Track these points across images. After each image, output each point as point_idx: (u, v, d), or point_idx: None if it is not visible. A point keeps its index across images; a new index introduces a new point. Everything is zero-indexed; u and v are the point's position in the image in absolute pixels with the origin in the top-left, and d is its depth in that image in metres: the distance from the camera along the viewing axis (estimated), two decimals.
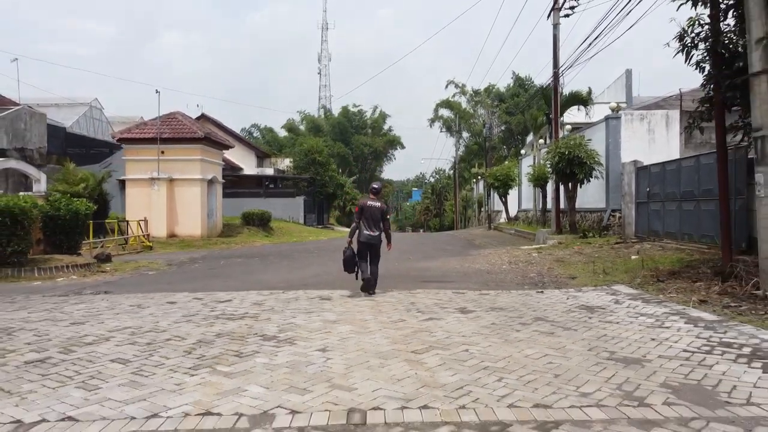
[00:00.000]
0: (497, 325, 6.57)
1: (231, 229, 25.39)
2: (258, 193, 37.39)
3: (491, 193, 36.85)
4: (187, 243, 21.47)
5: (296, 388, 4.28)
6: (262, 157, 44.39)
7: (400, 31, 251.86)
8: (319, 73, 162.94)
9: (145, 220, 21.05)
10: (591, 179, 18.90)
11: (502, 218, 37.44)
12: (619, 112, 19.60)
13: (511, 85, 73.04)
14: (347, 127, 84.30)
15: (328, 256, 16.60)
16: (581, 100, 22.80)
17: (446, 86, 76.29)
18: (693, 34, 9.02)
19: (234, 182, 36.95)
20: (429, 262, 15.01)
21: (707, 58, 9.15)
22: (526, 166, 29.52)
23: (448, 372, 4.65)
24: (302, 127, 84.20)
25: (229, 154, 38.65)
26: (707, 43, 8.91)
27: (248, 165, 41.81)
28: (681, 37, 9.13)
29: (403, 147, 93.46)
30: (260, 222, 26.98)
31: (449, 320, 6.87)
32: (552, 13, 20.39)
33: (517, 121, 58.31)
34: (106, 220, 19.89)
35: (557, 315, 7.16)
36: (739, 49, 8.49)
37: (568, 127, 24.04)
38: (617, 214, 19.09)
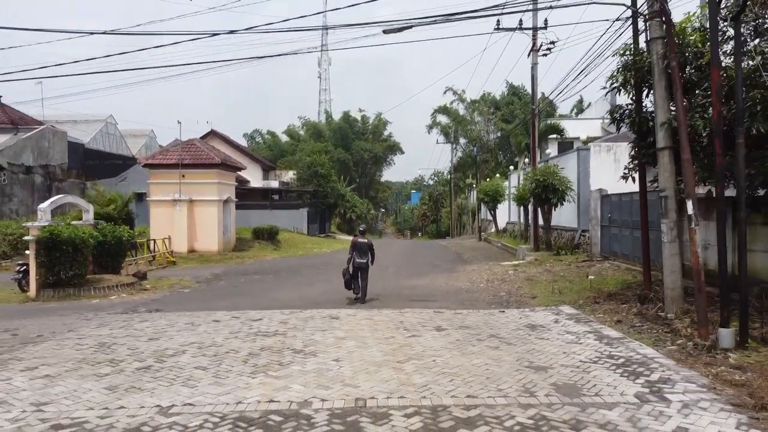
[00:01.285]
0: (460, 341, 9.11)
1: (243, 243, 27.94)
2: (265, 205, 39.91)
3: (482, 206, 39.46)
4: (205, 258, 24.02)
5: (322, 386, 6.82)
6: (267, 170, 46.95)
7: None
8: (319, 77, 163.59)
9: (169, 238, 23.61)
10: (564, 203, 21.47)
11: (493, 228, 40.02)
12: (589, 144, 22.17)
13: (506, 93, 75.89)
14: (348, 132, 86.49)
15: (332, 272, 19.05)
16: (557, 130, 25.45)
17: (444, 92, 78.97)
18: (620, 111, 11.58)
19: (242, 195, 39.48)
20: (419, 280, 17.55)
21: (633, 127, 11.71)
22: (512, 186, 32.03)
23: (419, 376, 7.19)
24: (302, 132, 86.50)
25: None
26: (630, 119, 11.47)
27: (255, 177, 44.37)
28: (611, 113, 11.69)
29: (402, 152, 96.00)
30: (269, 236, 29.56)
31: (427, 337, 9.41)
32: (531, 53, 22.95)
33: (511, 129, 61.24)
34: (138, 240, 22.40)
35: (507, 332, 9.71)
36: (650, 126, 11.03)
37: (549, 151, 26.61)
38: (587, 234, 21.65)
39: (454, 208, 60.56)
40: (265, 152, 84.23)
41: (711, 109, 9.86)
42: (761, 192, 9.96)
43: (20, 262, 15.59)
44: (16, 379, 7.48)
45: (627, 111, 11.46)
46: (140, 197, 39.15)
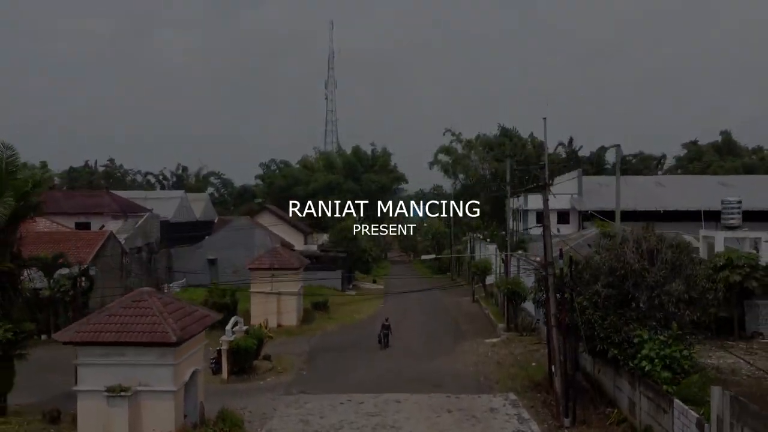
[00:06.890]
0: (459, 418, 21.02)
1: (307, 314, 40.00)
2: (308, 267, 51.91)
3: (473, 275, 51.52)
4: (288, 331, 36.05)
5: None
6: (306, 234, 59.05)
7: (401, 31, 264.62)
8: (326, 98, 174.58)
9: (267, 320, 35.63)
10: (525, 302, 33.56)
11: (487, 281, 51.65)
12: None
13: (498, 135, 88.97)
14: (357, 166, 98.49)
15: (375, 352, 30.69)
16: (523, 245, 37.63)
17: (444, 133, 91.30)
18: (538, 302, 23.61)
19: None
20: (431, 362, 29.26)
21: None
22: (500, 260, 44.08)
23: None
24: (309, 154, 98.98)
25: (281, 233, 53.47)
26: (543, 306, 23.49)
27: (297, 241, 56.43)
28: (533, 299, 23.73)
29: (406, 182, 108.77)
30: (323, 306, 41.72)
31: (444, 416, 21.29)
32: (509, 210, 34.98)
33: (503, 167, 73.21)
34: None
35: (479, 413, 21.63)
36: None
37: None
38: (540, 321, 33.66)
39: (453, 250, 72.53)
40: (279, 180, 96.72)
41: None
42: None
43: (212, 357, 27.51)
44: None
45: (542, 302, 23.53)
46: (212, 262, 51.36)
